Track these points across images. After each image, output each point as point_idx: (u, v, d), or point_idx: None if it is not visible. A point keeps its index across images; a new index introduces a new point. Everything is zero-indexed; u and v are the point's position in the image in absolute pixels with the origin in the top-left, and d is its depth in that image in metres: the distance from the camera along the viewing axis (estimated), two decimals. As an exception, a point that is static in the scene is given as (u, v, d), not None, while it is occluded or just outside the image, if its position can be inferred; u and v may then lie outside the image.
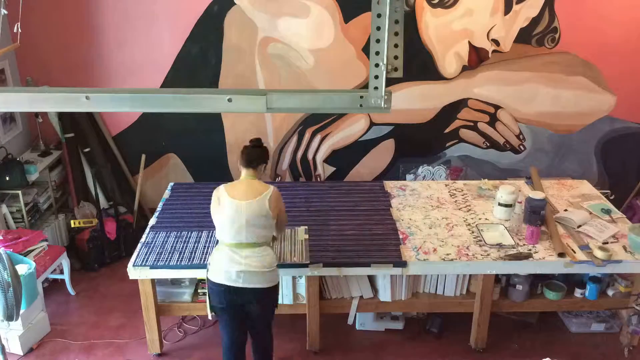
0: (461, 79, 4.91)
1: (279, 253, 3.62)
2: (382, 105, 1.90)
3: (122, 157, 5.16)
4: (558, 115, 5.04)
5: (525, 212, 3.85)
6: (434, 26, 4.73)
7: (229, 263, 3.09)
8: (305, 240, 3.72)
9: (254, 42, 4.78)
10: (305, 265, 3.53)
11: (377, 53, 1.84)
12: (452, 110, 5.03)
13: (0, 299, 3.15)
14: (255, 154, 3.29)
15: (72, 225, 4.76)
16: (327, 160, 5.22)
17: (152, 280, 3.62)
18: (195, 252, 3.64)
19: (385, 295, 3.74)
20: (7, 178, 4.40)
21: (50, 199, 4.87)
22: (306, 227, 3.87)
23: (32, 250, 4.10)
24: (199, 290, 3.79)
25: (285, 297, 3.74)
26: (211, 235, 3.81)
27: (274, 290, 3.20)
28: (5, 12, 3.45)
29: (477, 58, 4.84)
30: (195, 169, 5.24)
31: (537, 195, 3.85)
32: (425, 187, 4.49)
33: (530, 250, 3.62)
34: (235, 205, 3.11)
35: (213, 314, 3.23)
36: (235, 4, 4.67)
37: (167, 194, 4.42)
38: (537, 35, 4.77)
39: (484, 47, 4.80)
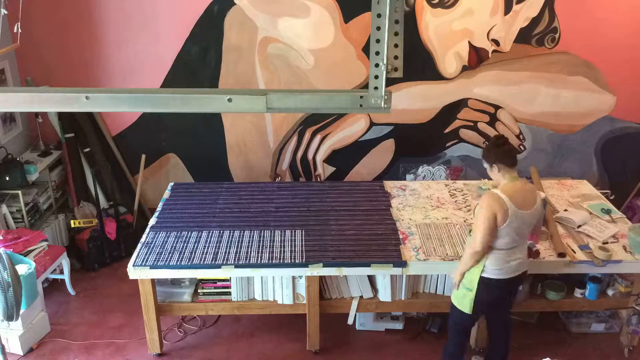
0: (461, 79, 4.91)
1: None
2: (382, 105, 1.91)
3: (122, 157, 5.16)
4: (558, 115, 5.04)
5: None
6: (434, 26, 4.73)
7: (509, 262, 3.16)
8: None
9: (254, 42, 4.78)
10: (305, 265, 3.53)
11: (377, 53, 1.84)
12: (452, 110, 5.03)
13: (0, 299, 3.16)
14: (516, 151, 3.22)
15: (72, 225, 4.76)
16: (327, 160, 5.22)
17: (152, 280, 3.62)
18: (195, 252, 3.64)
19: (385, 295, 3.74)
20: (7, 178, 4.39)
21: (50, 199, 4.87)
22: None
23: (32, 250, 4.10)
24: (198, 291, 3.79)
25: (285, 297, 3.74)
26: (211, 235, 3.81)
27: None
28: (5, 12, 3.45)
29: (477, 58, 4.84)
30: (195, 169, 5.24)
31: (539, 192, 3.85)
32: (425, 187, 4.49)
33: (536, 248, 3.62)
34: (522, 216, 3.09)
35: (470, 312, 3.27)
36: (235, 4, 4.67)
37: (167, 194, 4.42)
38: (537, 35, 4.77)
39: (484, 47, 4.80)
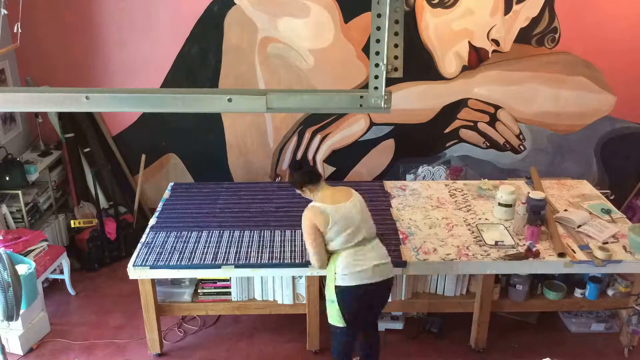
0: (461, 79, 4.91)
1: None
2: (382, 105, 1.90)
3: (122, 157, 5.16)
4: (558, 115, 5.04)
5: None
6: (434, 26, 4.73)
7: (363, 262, 3.11)
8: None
9: (254, 42, 4.78)
10: (305, 265, 3.53)
11: (377, 53, 1.84)
12: (452, 110, 5.03)
13: (0, 299, 3.16)
14: (315, 169, 3.27)
15: (72, 225, 4.76)
16: (327, 160, 5.22)
17: (152, 280, 3.62)
18: (195, 252, 3.64)
19: (385, 295, 3.74)
20: (7, 178, 4.39)
21: (50, 199, 4.87)
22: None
23: (32, 250, 4.10)
24: (198, 291, 3.79)
25: (285, 297, 3.74)
26: (211, 235, 3.82)
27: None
28: (5, 12, 3.45)
29: (477, 58, 4.84)
30: (195, 169, 5.24)
31: (537, 195, 3.85)
32: (425, 187, 4.49)
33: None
34: (342, 208, 3.10)
35: (344, 324, 3.21)
36: (235, 4, 4.67)
37: (167, 194, 4.42)
38: (537, 35, 4.77)
39: (484, 47, 4.81)
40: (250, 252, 3.65)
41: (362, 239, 3.14)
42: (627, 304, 3.79)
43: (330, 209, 3.09)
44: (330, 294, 3.18)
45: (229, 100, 1.90)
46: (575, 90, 4.94)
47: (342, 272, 3.11)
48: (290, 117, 5.06)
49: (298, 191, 3.28)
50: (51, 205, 4.89)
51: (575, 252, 3.61)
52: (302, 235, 3.76)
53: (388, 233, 3.82)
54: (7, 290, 3.15)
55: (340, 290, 3.13)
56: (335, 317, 3.21)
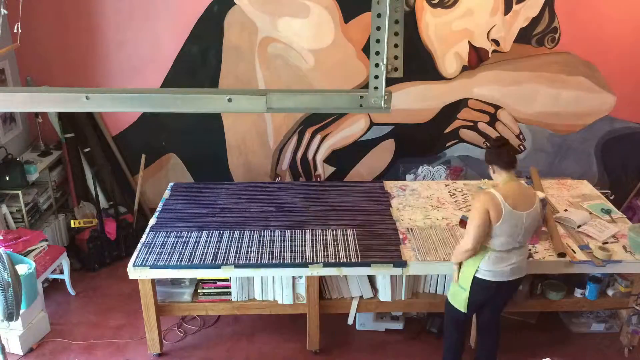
0: (461, 79, 4.91)
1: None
2: (382, 105, 1.90)
3: (122, 157, 5.16)
4: (558, 115, 5.04)
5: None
6: (434, 26, 4.73)
7: (503, 264, 3.18)
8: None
9: (254, 42, 4.78)
10: (305, 265, 3.53)
11: (377, 53, 1.84)
12: (452, 110, 5.03)
13: (0, 299, 3.16)
14: (515, 153, 3.24)
15: (72, 225, 4.76)
16: (327, 160, 5.22)
17: (152, 280, 3.62)
18: (195, 252, 3.64)
19: (385, 295, 3.74)
20: (7, 178, 4.39)
21: (50, 199, 4.87)
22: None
23: (32, 250, 4.10)
24: (198, 291, 3.79)
25: (285, 297, 3.74)
26: (211, 235, 3.81)
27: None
28: (5, 12, 3.45)
29: (477, 58, 4.84)
30: (195, 169, 5.24)
31: (537, 195, 3.85)
32: (425, 187, 4.49)
33: (530, 250, 3.62)
34: (517, 217, 3.10)
35: (466, 310, 3.32)
36: (235, 4, 4.67)
37: (167, 194, 4.42)
38: (537, 35, 4.77)
39: (484, 47, 4.80)
40: (250, 252, 3.65)
41: (516, 246, 3.18)
42: (627, 304, 3.79)
43: (506, 210, 3.07)
44: (465, 283, 3.25)
45: (229, 100, 1.90)
46: (575, 90, 4.94)
47: (485, 268, 3.18)
48: (290, 117, 5.06)
49: (487, 164, 3.27)
50: (51, 205, 4.89)
51: (575, 252, 3.61)
52: (301, 235, 3.79)
53: (388, 233, 3.83)
54: (7, 290, 3.15)
55: (477, 282, 3.21)
56: (461, 302, 3.30)
